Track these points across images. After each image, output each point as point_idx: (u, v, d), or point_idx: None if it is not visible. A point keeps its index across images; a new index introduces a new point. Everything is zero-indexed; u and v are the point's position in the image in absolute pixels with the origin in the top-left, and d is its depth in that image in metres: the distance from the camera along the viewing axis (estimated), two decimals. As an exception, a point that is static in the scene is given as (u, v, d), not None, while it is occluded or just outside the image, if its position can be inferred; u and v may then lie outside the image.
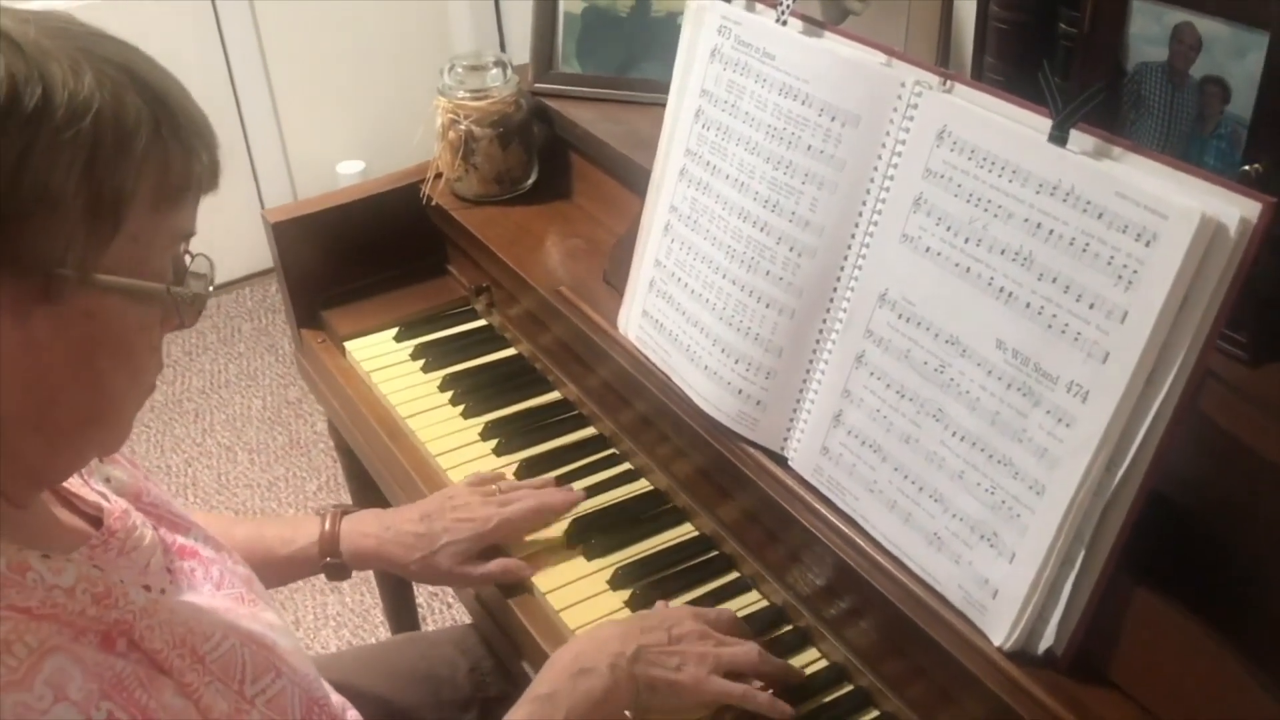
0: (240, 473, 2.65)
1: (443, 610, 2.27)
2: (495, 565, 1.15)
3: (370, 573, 2.00)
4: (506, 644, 1.18)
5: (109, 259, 0.67)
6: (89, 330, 0.68)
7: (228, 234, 3.17)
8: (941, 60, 1.28)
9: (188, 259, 0.75)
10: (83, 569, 0.72)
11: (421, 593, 2.24)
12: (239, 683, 0.79)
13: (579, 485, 1.25)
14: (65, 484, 0.81)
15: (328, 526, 1.16)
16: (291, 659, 0.86)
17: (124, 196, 0.66)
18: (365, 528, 1.17)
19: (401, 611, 1.87)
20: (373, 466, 1.45)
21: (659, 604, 1.08)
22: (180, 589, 0.83)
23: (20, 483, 0.73)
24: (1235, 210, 0.76)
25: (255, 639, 0.84)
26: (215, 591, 0.87)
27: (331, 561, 1.16)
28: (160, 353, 0.75)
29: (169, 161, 0.68)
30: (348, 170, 3.17)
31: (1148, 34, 1.00)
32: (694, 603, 1.11)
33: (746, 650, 1.00)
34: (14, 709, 0.62)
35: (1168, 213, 0.78)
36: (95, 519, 0.80)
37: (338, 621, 2.26)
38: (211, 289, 0.76)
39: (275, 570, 1.16)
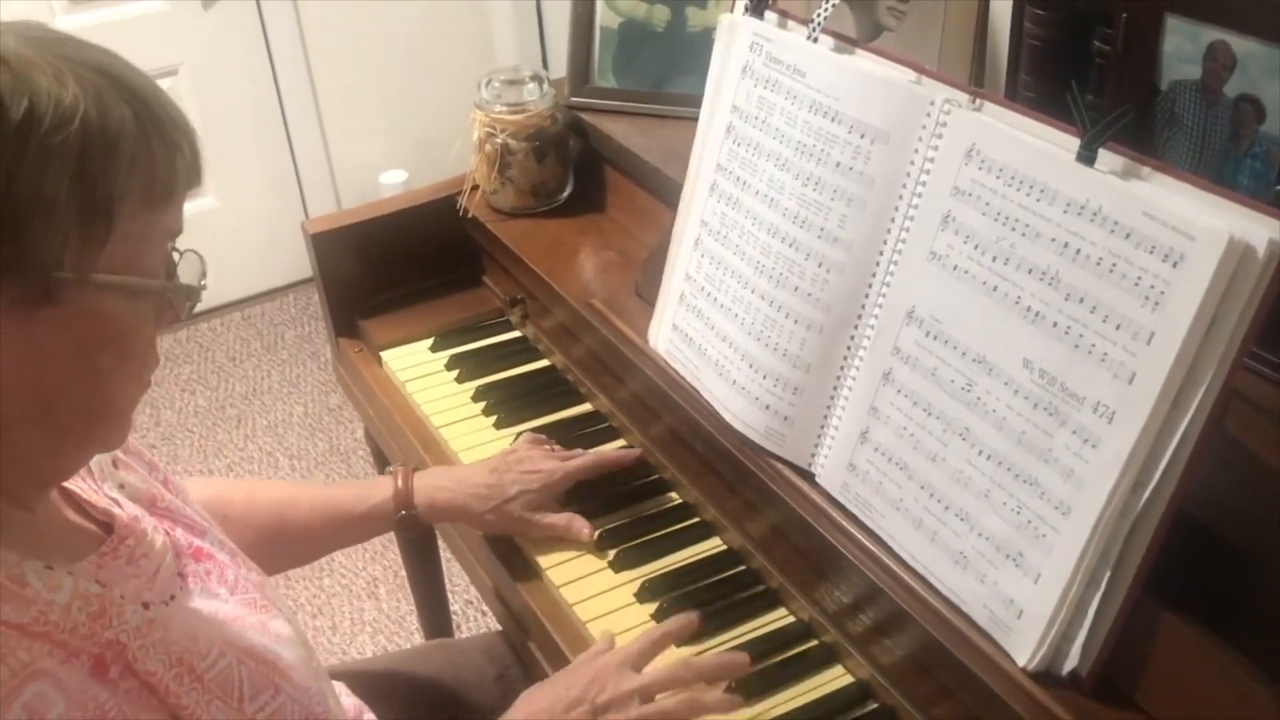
0: (281, 478, 2.68)
1: (477, 618, 2.29)
2: (561, 517, 1.20)
3: (405, 580, 2.02)
4: (534, 654, 1.19)
5: (105, 259, 0.68)
6: (89, 329, 0.70)
7: (272, 242, 3.24)
8: (976, 77, 1.27)
9: (176, 256, 0.76)
10: (80, 585, 0.73)
11: (457, 600, 2.26)
12: (238, 700, 0.80)
13: (609, 498, 1.26)
14: (77, 490, 0.82)
15: (400, 483, 1.20)
16: (294, 673, 0.87)
17: (115, 197, 0.67)
18: (438, 481, 1.22)
19: (436, 618, 1.88)
20: (406, 475, 1.47)
21: (590, 654, 1.05)
22: (192, 593, 0.84)
23: (26, 484, 0.74)
24: (1265, 231, 0.76)
25: (256, 654, 0.84)
26: (229, 595, 0.88)
27: (406, 515, 1.20)
28: (156, 349, 0.77)
29: (155, 160, 0.70)
30: (390, 180, 3.21)
31: (1182, 52, 0.99)
32: (720, 616, 1.12)
33: (678, 706, 0.98)
34: None
35: (1195, 234, 0.78)
36: (106, 525, 0.82)
37: (374, 628, 2.28)
38: (204, 283, 0.78)
39: (349, 529, 1.21)
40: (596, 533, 1.21)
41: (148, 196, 0.70)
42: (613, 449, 1.33)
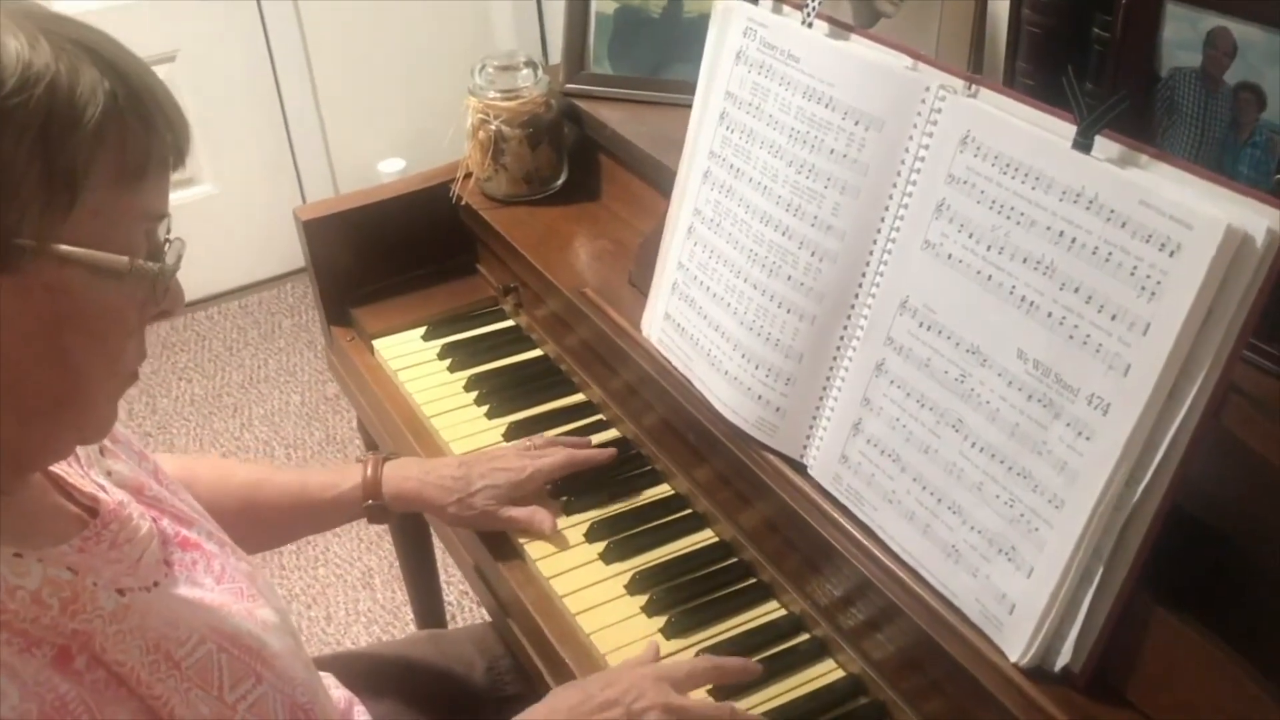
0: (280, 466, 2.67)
1: (472, 608, 2.28)
2: (524, 511, 1.19)
3: (399, 571, 2.01)
4: (522, 645, 1.18)
5: (69, 232, 0.66)
6: (53, 305, 0.68)
7: (270, 231, 3.23)
8: (974, 65, 1.26)
9: (166, 243, 0.74)
10: (50, 572, 0.71)
11: (451, 591, 2.26)
12: (218, 688, 0.79)
13: (600, 489, 1.24)
14: (62, 474, 0.81)
15: (370, 472, 1.21)
16: (279, 662, 0.86)
17: (79, 167, 0.66)
18: (406, 471, 1.22)
19: (429, 609, 1.87)
20: (397, 465, 1.45)
21: (631, 663, 1.03)
22: (177, 581, 0.83)
23: (1, 468, 0.73)
24: (1263, 221, 0.74)
25: (240, 641, 0.83)
26: (215, 585, 0.87)
27: (374, 504, 1.20)
28: (141, 339, 0.75)
29: (127, 136, 0.68)
30: (389, 169, 3.19)
31: (1181, 39, 0.97)
32: (711, 609, 1.10)
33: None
34: None
35: (1193, 222, 0.76)
36: (91, 509, 0.80)
37: (368, 618, 2.28)
38: (175, 265, 0.75)
39: (318, 515, 1.22)
40: (590, 524, 1.20)
41: (118, 172, 0.68)
42: (602, 439, 1.31)
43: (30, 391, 0.69)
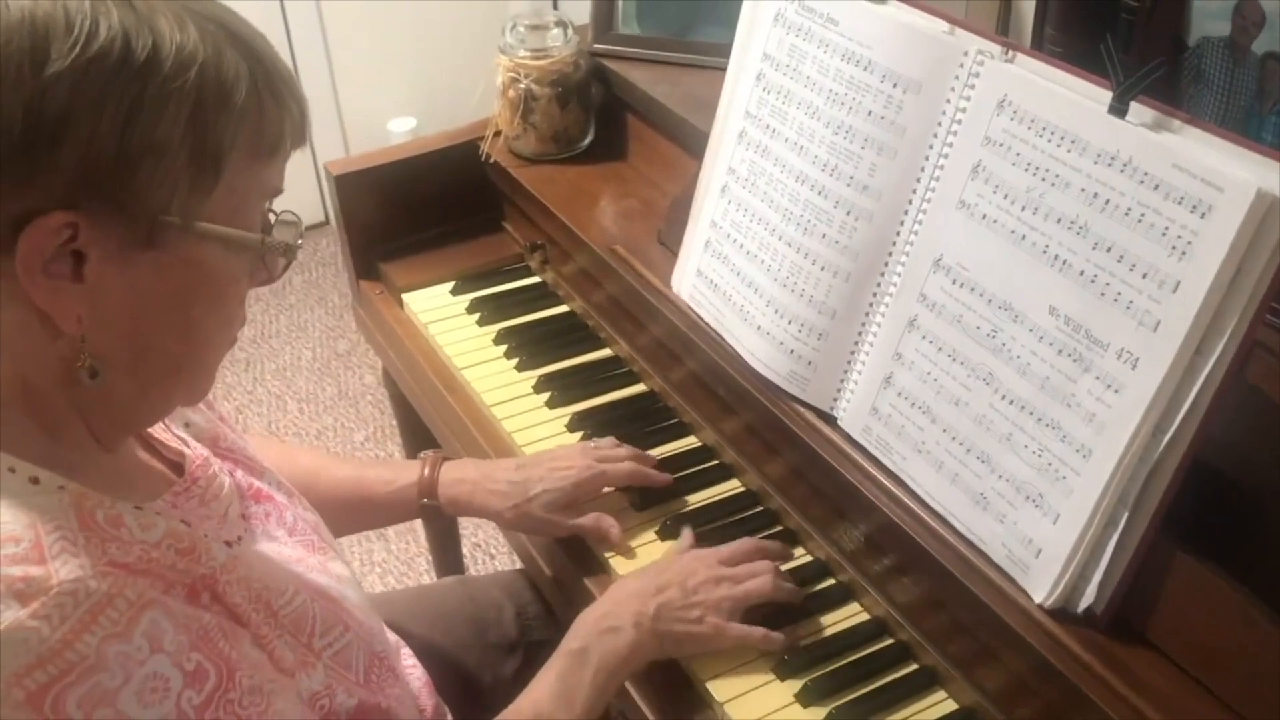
0: (290, 421, 2.70)
1: (485, 561, 2.32)
2: (589, 518, 1.16)
3: (418, 522, 2.05)
4: (556, 591, 1.22)
5: (209, 209, 0.70)
6: (187, 278, 0.71)
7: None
8: (1002, 30, 1.29)
9: (272, 216, 0.78)
10: (171, 524, 0.74)
11: (466, 544, 2.30)
12: (308, 636, 0.83)
13: (628, 442, 1.25)
14: (151, 429, 0.84)
15: (427, 471, 1.19)
16: (357, 613, 0.90)
17: (225, 148, 0.69)
18: (463, 474, 1.20)
19: (448, 560, 1.91)
20: (428, 417, 1.49)
21: (671, 554, 1.11)
22: (255, 535, 0.86)
23: (110, 426, 0.76)
24: (1291, 185, 0.78)
25: (324, 593, 0.87)
26: (288, 537, 0.90)
27: (428, 504, 1.19)
28: (245, 306, 0.78)
29: (264, 115, 0.71)
30: (399, 128, 3.20)
31: (1210, 8, 1.00)
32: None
33: (760, 584, 1.06)
34: (117, 659, 0.65)
35: (1223, 185, 0.80)
36: (177, 465, 0.84)
37: (383, 569, 2.32)
38: (300, 242, 0.79)
39: (373, 510, 1.21)
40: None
41: (255, 150, 0.71)
42: (628, 394, 1.35)
43: (155, 359, 0.73)
